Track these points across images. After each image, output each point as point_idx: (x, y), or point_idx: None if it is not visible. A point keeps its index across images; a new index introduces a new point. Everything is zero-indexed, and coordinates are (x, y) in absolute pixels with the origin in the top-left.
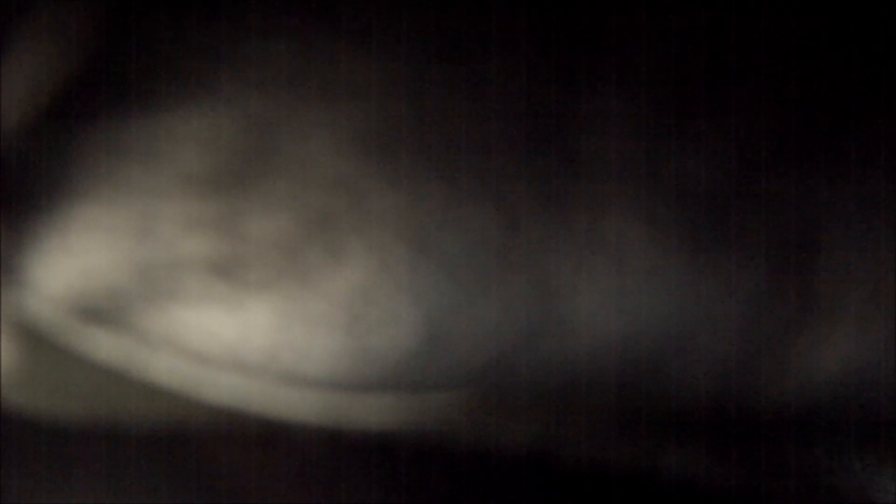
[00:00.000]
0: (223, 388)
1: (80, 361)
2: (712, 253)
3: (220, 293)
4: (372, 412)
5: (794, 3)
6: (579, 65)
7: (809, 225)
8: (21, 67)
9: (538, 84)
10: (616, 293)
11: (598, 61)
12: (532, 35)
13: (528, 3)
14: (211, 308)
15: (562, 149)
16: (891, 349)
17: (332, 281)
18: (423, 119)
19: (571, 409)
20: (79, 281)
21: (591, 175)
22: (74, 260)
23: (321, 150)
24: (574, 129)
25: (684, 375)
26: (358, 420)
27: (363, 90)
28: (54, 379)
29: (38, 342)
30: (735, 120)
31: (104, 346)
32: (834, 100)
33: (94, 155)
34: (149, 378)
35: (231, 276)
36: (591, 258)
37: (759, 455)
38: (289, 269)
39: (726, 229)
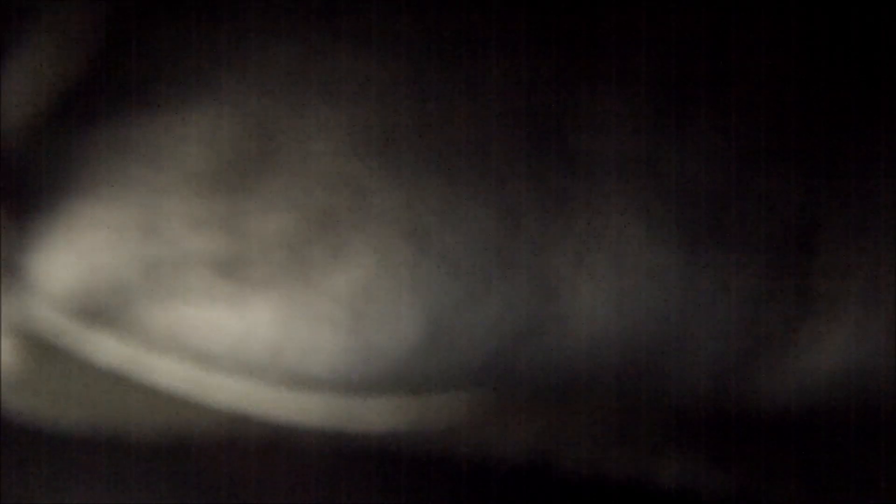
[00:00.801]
0: (226, 389)
1: (82, 363)
2: (711, 252)
3: (224, 291)
4: (374, 412)
5: (794, 3)
6: (579, 65)
7: (808, 224)
8: (23, 67)
9: (538, 84)
10: (615, 291)
11: (598, 61)
12: (532, 35)
13: (527, 3)
14: (214, 306)
15: (561, 148)
16: (891, 348)
17: (334, 279)
18: (423, 118)
19: (571, 409)
20: (83, 279)
21: (590, 174)
22: (78, 258)
23: (323, 149)
24: (574, 128)
25: (683, 372)
26: (360, 421)
27: (364, 90)
28: (56, 381)
29: (40, 343)
30: (735, 120)
31: (107, 347)
32: (834, 100)
33: (97, 154)
34: (152, 379)
35: (234, 273)
36: (590, 256)
37: (759, 455)
38: (291, 266)
39: (725, 228)
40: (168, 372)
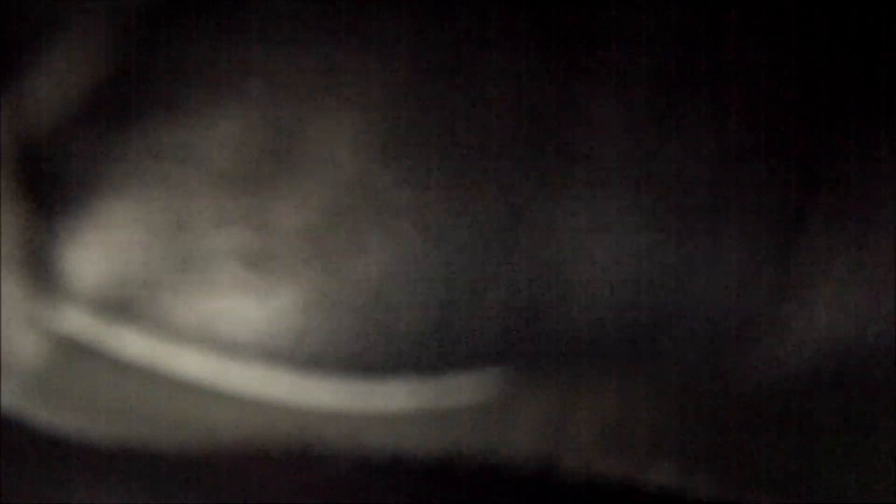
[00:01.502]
0: (252, 374)
1: (111, 357)
2: (702, 237)
3: (250, 283)
4: (393, 392)
5: (793, 4)
6: (579, 64)
7: (797, 208)
8: (54, 72)
9: (538, 83)
10: (613, 274)
11: (599, 61)
12: (532, 35)
13: (527, 3)
14: (242, 297)
15: (561, 144)
16: (877, 317)
17: (353, 269)
18: (433, 122)
19: (576, 386)
20: (114, 275)
21: (588, 168)
22: (109, 255)
23: (342, 150)
24: (573, 125)
25: (679, 344)
26: (380, 400)
27: (379, 96)
28: (84, 377)
29: (69, 339)
30: (731, 115)
31: (137, 340)
32: (834, 100)
33: (129, 155)
34: (180, 368)
35: (260, 266)
36: (589, 243)
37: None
38: (313, 258)
39: (717, 215)
40: (196, 361)
